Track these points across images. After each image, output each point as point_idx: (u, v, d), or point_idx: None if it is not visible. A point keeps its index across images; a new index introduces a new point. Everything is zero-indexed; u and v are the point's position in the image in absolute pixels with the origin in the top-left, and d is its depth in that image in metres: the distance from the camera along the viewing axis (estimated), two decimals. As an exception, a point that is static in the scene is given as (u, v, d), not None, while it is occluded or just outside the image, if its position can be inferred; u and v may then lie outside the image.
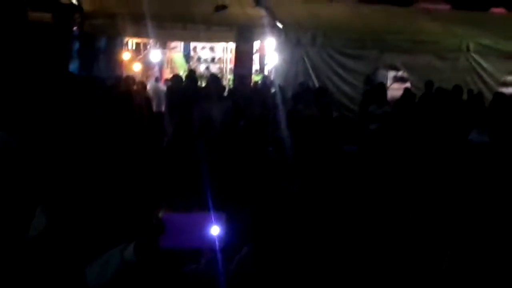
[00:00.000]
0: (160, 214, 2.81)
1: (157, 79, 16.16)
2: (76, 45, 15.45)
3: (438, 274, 4.43)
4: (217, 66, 18.84)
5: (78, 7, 15.24)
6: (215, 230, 2.79)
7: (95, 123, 9.63)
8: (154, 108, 13.64)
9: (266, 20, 15.89)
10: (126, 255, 2.90)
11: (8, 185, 5.80)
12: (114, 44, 16.40)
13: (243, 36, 15.89)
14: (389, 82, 16.84)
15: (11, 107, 7.81)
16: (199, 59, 18.95)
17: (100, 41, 16.03)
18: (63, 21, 14.67)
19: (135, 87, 12.62)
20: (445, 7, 20.66)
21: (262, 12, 16.25)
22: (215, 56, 18.96)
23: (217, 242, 2.81)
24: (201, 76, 16.93)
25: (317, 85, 15.19)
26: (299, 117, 9.87)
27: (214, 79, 11.07)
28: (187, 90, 11.72)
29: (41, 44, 12.81)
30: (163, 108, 13.97)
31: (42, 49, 12.66)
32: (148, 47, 18.29)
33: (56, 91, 10.15)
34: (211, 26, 15.85)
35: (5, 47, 9.93)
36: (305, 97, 11.95)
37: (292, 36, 15.61)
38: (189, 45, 18.72)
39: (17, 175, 5.98)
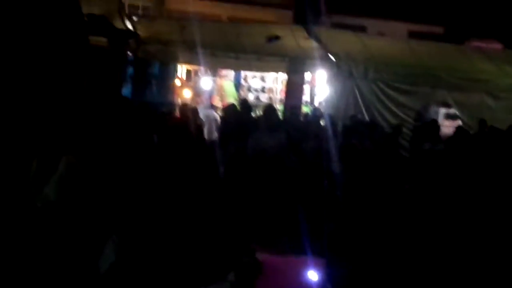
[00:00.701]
0: (258, 256, 2.79)
1: (209, 106, 16.25)
2: (130, 70, 15.64)
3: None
4: (267, 96, 18.87)
5: (133, 33, 15.46)
6: (312, 276, 2.77)
7: (150, 151, 9.69)
8: (205, 135, 13.71)
9: (318, 52, 15.93)
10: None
11: (75, 210, 5.85)
12: (167, 70, 16.53)
13: (295, 67, 15.92)
14: (440, 119, 16.69)
15: (76, 131, 7.89)
16: (249, 88, 18.98)
17: (153, 67, 16.19)
18: (118, 46, 14.86)
19: (189, 115, 12.68)
20: (497, 46, 20.58)
21: (314, 44, 16.32)
22: (265, 86, 18.98)
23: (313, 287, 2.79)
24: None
25: (367, 118, 15.15)
26: (355, 151, 9.79)
27: (271, 110, 11.03)
28: (242, 120, 11.72)
29: (97, 68, 12.99)
30: (214, 135, 14.04)
31: (98, 73, 12.85)
32: (199, 74, 18.41)
33: (114, 116, 10.25)
34: (263, 56, 15.94)
35: (69, 71, 10.09)
36: (358, 131, 11.88)
37: (344, 69, 15.64)
38: (240, 73, 18.78)
39: (83, 199, 6.04)
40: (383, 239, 5.86)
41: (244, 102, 14.07)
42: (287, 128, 12.03)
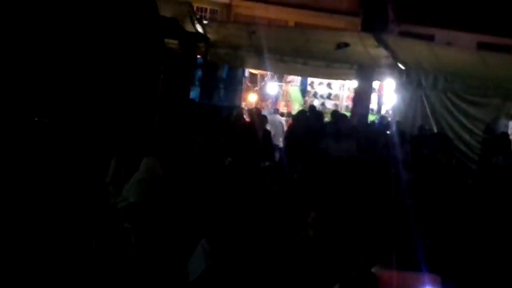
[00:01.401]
0: (374, 270, 2.77)
1: (275, 111, 16.25)
2: (199, 73, 15.76)
3: None
4: (333, 102, 18.75)
5: (204, 36, 15.54)
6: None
7: (219, 153, 9.74)
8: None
9: (387, 60, 15.77)
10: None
11: (157, 212, 5.90)
12: (235, 74, 16.64)
13: (363, 75, 15.77)
14: (509, 132, 16.37)
15: (155, 132, 7.99)
16: (315, 94, 18.90)
17: (222, 70, 16.29)
18: (189, 48, 14.95)
19: (257, 119, 12.72)
20: None
21: (383, 52, 16.14)
22: (332, 92, 18.87)
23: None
24: (317, 112, 16.85)
25: (435, 129, 14.93)
26: (428, 163, 9.68)
27: (342, 118, 11.00)
28: (311, 126, 11.70)
29: (169, 70, 13.11)
30: (279, 140, 14.06)
31: (170, 75, 12.95)
32: (265, 79, 18.42)
33: (187, 119, 10.36)
34: (331, 63, 15.85)
35: (148, 72, 10.22)
36: (430, 142, 11.73)
37: (413, 78, 15.42)
38: (306, 79, 18.71)
39: (165, 201, 6.09)
40: (483, 253, 5.77)
41: (313, 108, 14.04)
42: (356, 136, 11.98)
